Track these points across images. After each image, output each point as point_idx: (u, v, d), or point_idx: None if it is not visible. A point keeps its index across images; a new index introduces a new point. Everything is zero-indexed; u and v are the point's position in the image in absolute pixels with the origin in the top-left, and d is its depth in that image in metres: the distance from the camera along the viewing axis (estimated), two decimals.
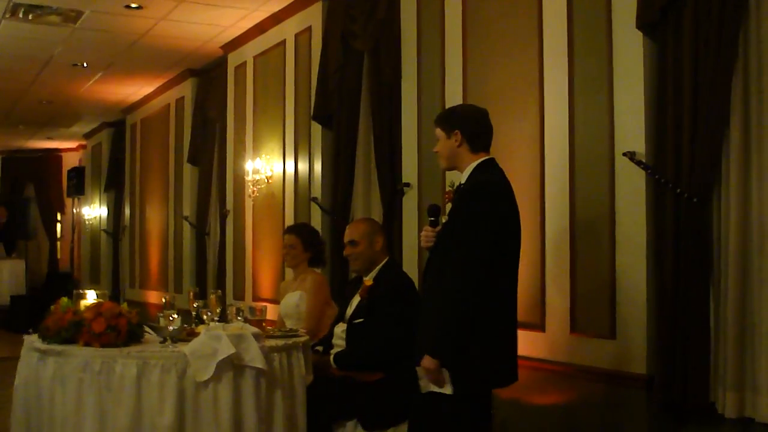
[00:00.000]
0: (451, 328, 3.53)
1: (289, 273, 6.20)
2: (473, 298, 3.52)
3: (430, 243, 3.82)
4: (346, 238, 4.99)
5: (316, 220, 7.61)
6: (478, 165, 3.80)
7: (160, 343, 4.23)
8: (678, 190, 4.35)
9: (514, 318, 3.74)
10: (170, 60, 10.45)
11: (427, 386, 3.68)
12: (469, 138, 3.82)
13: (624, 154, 4.61)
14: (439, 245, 3.76)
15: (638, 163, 4.54)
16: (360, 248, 4.93)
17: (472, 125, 3.85)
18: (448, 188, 3.95)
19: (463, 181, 3.82)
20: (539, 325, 5.14)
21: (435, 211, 3.87)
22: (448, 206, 3.86)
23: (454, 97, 5.93)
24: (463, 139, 3.81)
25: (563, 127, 5.08)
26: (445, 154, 3.88)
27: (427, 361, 3.59)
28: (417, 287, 4.86)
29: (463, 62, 5.92)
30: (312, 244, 5.80)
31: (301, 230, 5.92)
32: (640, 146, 4.57)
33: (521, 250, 3.80)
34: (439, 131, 3.90)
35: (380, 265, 4.94)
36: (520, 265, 3.78)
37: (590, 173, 4.90)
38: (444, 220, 3.81)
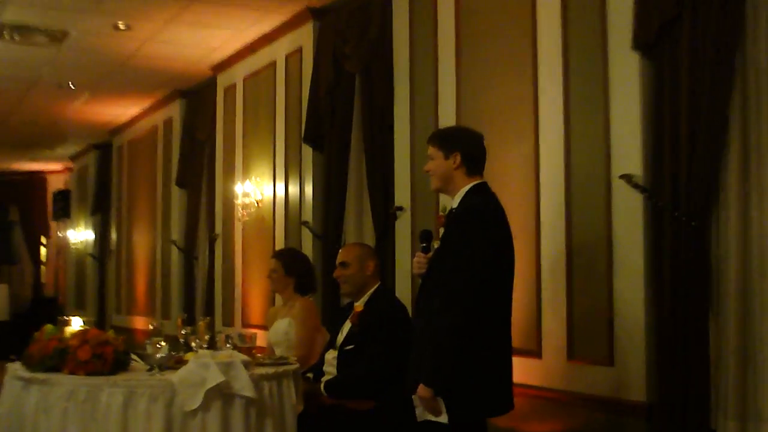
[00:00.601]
0: (445, 357, 3.52)
1: (279, 299, 6.19)
2: (467, 326, 3.50)
3: (422, 270, 3.80)
4: (339, 259, 5.01)
5: (307, 245, 7.60)
6: (471, 188, 3.78)
7: (147, 371, 4.20)
8: (676, 213, 4.35)
9: (508, 345, 3.73)
10: (158, 81, 10.46)
11: (423, 415, 3.67)
12: (468, 161, 3.80)
13: (621, 177, 4.61)
14: (431, 272, 3.74)
15: (635, 185, 4.55)
16: (351, 270, 4.93)
17: (472, 148, 3.84)
18: (440, 213, 3.93)
19: (455, 206, 3.80)
20: (535, 352, 5.13)
21: (426, 236, 3.86)
22: (441, 231, 3.84)
23: (447, 118, 5.94)
24: (461, 162, 3.80)
25: (559, 149, 5.09)
26: (438, 175, 3.85)
27: (422, 390, 3.58)
28: (410, 313, 4.86)
29: (457, 83, 5.93)
30: (294, 269, 5.77)
31: (283, 255, 5.92)
32: (636, 168, 4.58)
33: (515, 275, 3.79)
34: (434, 150, 3.86)
35: (371, 290, 4.93)
36: (514, 289, 3.77)
37: (586, 196, 4.91)
38: (436, 246, 3.80)
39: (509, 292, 3.73)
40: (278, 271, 5.75)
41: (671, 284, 4.38)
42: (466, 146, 3.83)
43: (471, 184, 3.79)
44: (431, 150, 3.88)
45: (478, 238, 3.58)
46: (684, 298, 4.31)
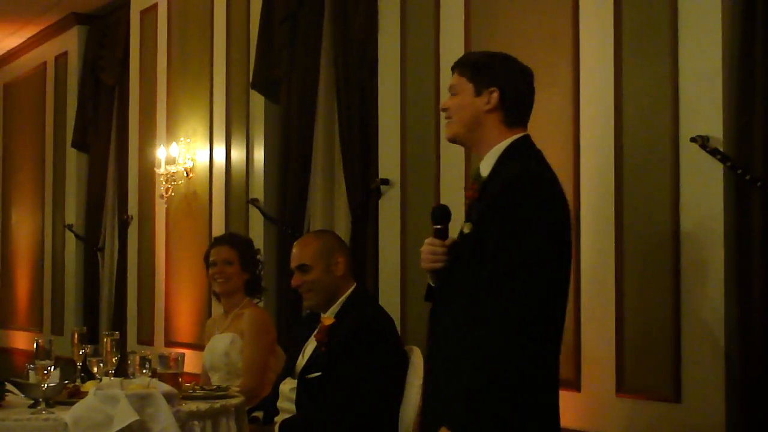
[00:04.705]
0: (491, 395, 3.37)
1: (218, 308, 6.19)
2: (527, 352, 3.39)
3: (438, 263, 3.69)
4: (294, 262, 4.99)
5: (257, 231, 7.61)
6: (513, 144, 3.67)
7: (30, 407, 4.20)
8: None
9: (557, 377, 3.66)
10: (47, 0, 10.42)
11: None
12: (510, 103, 3.70)
13: (693, 140, 4.62)
14: (460, 268, 3.62)
15: (713, 152, 4.56)
16: (313, 275, 4.93)
17: (519, 85, 3.74)
18: (472, 181, 3.80)
19: (485, 168, 3.68)
20: (573, 383, 5.15)
21: (443, 215, 3.73)
22: (464, 211, 3.77)
23: (451, 58, 5.92)
24: (499, 103, 3.69)
25: (606, 101, 5.10)
26: (462, 117, 3.73)
27: None
28: (398, 328, 4.87)
29: (465, 8, 5.93)
30: (250, 264, 5.80)
31: (239, 242, 5.93)
32: (715, 129, 4.59)
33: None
34: (460, 81, 3.75)
35: (344, 295, 4.95)
36: None
37: (644, 168, 4.92)
38: (467, 230, 3.64)
39: (565, 303, 3.65)
40: (234, 263, 5.75)
41: (763, 290, 4.40)
42: (510, 81, 3.72)
43: (511, 138, 3.69)
44: (456, 79, 3.77)
45: (544, 222, 3.48)
46: None
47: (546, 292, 3.45)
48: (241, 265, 5.78)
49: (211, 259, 5.87)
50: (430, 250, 3.71)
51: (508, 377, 3.38)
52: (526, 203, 3.50)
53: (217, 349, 5.68)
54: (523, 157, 3.66)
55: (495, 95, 3.69)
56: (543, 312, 3.43)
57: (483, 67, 3.75)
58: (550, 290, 3.48)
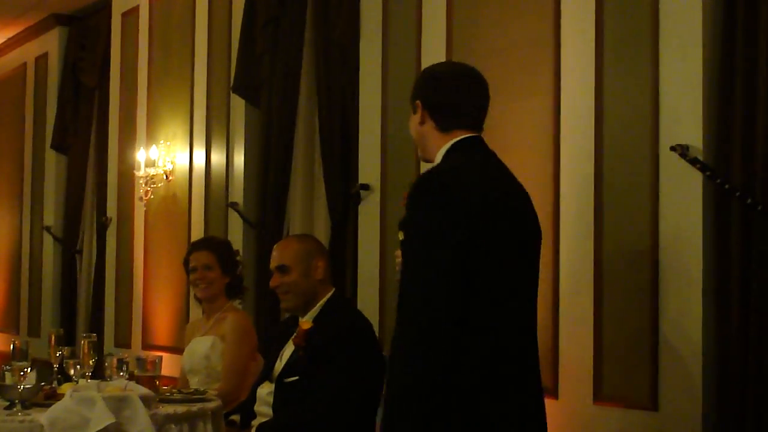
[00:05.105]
0: (400, 400, 3.31)
1: (197, 311, 6.18)
2: (439, 360, 3.29)
3: None
4: (273, 263, 5.02)
5: (236, 235, 7.59)
6: (449, 149, 3.63)
7: (5, 408, 4.19)
8: (749, 200, 4.38)
9: (525, 367, 3.54)
10: (27, 0, 10.38)
11: None
12: (432, 110, 3.67)
13: (672, 149, 4.63)
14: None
15: (693, 161, 4.57)
16: (292, 276, 4.94)
17: (433, 91, 3.70)
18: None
19: None
20: (550, 390, 5.14)
21: None
22: None
23: (434, 60, 5.93)
24: (427, 113, 3.67)
25: (587, 108, 5.10)
26: (415, 138, 3.76)
27: None
28: (376, 333, 4.87)
29: (447, 11, 5.93)
30: (230, 266, 5.80)
31: (217, 245, 5.93)
32: (695, 138, 4.60)
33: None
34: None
35: (322, 300, 4.96)
36: None
37: (624, 176, 4.93)
38: (401, 237, 3.55)
39: (517, 298, 3.52)
40: (214, 268, 5.74)
41: (741, 298, 4.41)
42: (425, 90, 3.71)
43: (448, 144, 3.64)
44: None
45: (431, 223, 3.38)
46: (758, 317, 4.34)
47: (450, 293, 3.31)
48: (221, 269, 5.77)
49: (191, 264, 5.85)
50: (399, 261, 3.63)
51: (410, 381, 3.29)
52: (415, 205, 3.46)
53: (197, 352, 5.66)
54: (443, 160, 3.62)
55: (419, 106, 3.69)
56: (451, 312, 3.30)
57: (412, 88, 3.78)
58: (464, 290, 3.33)
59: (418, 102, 3.69)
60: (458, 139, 3.63)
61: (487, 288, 3.41)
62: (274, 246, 5.16)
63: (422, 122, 3.68)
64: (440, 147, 3.65)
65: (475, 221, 3.39)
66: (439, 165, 3.60)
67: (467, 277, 3.34)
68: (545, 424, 3.56)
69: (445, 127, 3.65)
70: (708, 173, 4.54)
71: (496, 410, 3.42)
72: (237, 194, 7.77)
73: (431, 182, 3.49)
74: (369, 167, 6.47)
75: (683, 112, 4.68)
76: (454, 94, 3.69)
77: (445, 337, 3.29)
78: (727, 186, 4.47)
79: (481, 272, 3.39)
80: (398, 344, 3.35)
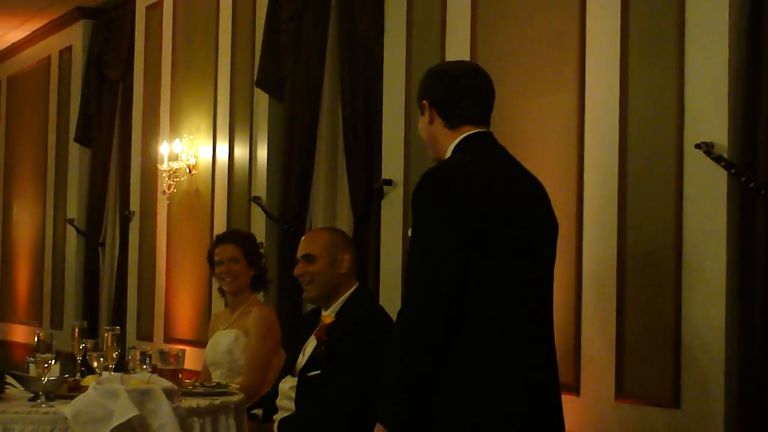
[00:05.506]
0: (397, 381, 3.45)
1: (219, 304, 6.19)
2: (435, 339, 3.41)
3: None
4: (300, 252, 5.02)
5: (259, 229, 7.60)
6: (456, 146, 3.70)
7: (30, 400, 4.21)
8: None
9: (523, 364, 3.54)
10: None
11: None
12: (439, 108, 3.73)
13: (697, 146, 4.63)
14: None
15: (718, 159, 4.56)
16: (318, 266, 4.95)
17: (437, 89, 3.76)
18: None
19: None
20: (572, 387, 5.15)
21: None
22: None
23: (458, 57, 5.93)
24: (435, 112, 3.74)
25: (611, 107, 5.09)
26: (425, 138, 3.83)
27: (377, 429, 3.54)
28: None
29: (472, 8, 5.92)
30: (255, 260, 5.81)
31: (243, 238, 5.93)
32: (720, 136, 4.59)
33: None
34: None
35: (346, 294, 4.96)
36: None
37: (648, 173, 4.92)
38: (410, 233, 3.67)
39: (520, 281, 3.57)
40: (240, 261, 5.75)
41: (765, 297, 4.40)
42: (431, 88, 3.78)
43: (456, 141, 3.71)
44: None
45: (435, 215, 3.48)
46: None
47: (446, 276, 3.40)
48: (247, 262, 5.78)
49: (216, 258, 5.85)
50: None
51: (413, 361, 3.43)
52: (419, 199, 3.57)
53: (221, 345, 5.67)
54: (451, 156, 3.70)
55: (426, 106, 3.76)
56: (451, 304, 3.40)
57: (418, 89, 3.85)
58: (464, 270, 3.43)
59: (425, 102, 3.76)
60: (466, 135, 3.71)
61: (487, 279, 3.50)
62: (304, 236, 5.19)
63: (431, 121, 3.76)
64: (449, 144, 3.73)
65: (476, 213, 3.49)
66: (445, 160, 3.69)
67: (469, 267, 3.44)
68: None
69: (453, 123, 3.73)
70: (733, 171, 4.53)
71: (494, 381, 3.50)
72: (260, 188, 7.78)
73: (433, 176, 3.59)
74: (392, 162, 6.47)
75: (708, 110, 4.66)
76: (460, 90, 3.76)
77: (442, 308, 3.41)
78: (752, 184, 4.45)
79: (482, 264, 3.48)
80: (402, 312, 3.49)
